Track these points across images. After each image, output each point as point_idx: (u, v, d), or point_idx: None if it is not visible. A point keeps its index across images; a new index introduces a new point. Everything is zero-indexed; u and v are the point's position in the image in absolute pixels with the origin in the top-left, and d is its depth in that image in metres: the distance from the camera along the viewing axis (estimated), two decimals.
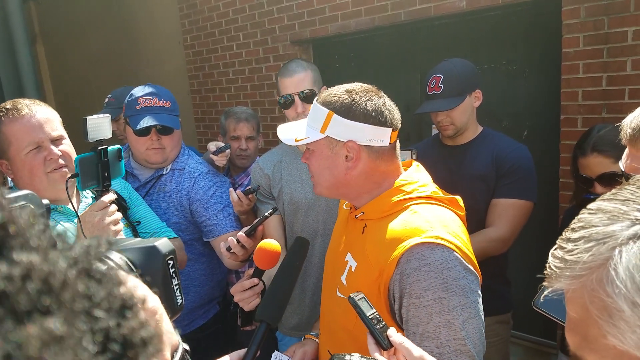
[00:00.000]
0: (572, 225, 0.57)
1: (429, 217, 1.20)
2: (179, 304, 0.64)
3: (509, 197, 2.07)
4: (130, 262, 0.60)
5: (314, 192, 1.41)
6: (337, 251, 1.43)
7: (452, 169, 2.16)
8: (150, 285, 0.57)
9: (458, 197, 1.33)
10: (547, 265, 0.58)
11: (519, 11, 3.03)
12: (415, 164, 1.40)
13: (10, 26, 5.33)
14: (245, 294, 1.41)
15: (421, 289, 1.12)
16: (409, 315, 1.15)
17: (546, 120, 3.02)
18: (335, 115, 1.25)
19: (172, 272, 0.63)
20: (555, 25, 2.79)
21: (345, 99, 1.26)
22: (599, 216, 0.54)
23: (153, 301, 0.51)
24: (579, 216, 0.57)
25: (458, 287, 1.12)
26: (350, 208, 1.40)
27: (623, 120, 1.18)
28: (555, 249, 0.58)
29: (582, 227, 0.55)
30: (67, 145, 1.63)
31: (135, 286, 0.47)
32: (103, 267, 0.36)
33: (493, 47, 3.19)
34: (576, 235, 0.55)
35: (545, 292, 0.59)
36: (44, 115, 1.58)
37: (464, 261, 1.15)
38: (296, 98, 1.96)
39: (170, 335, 0.53)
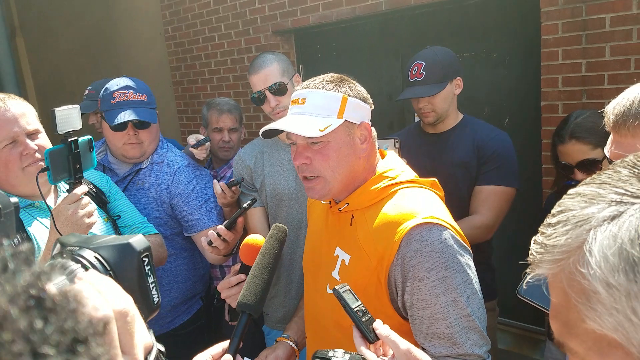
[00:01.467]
0: (553, 211, 0.57)
1: (419, 200, 1.22)
2: (155, 302, 0.62)
3: (491, 183, 2.08)
4: (105, 260, 0.59)
5: (314, 197, 1.33)
6: (319, 248, 1.41)
7: (433, 157, 2.17)
8: (125, 283, 0.55)
9: (435, 180, 1.35)
10: (529, 252, 0.59)
11: None
12: (390, 152, 1.42)
13: None
14: (232, 291, 1.39)
15: (424, 270, 1.13)
16: (413, 299, 1.15)
17: (527, 107, 3.04)
18: (350, 98, 1.25)
19: (148, 269, 0.61)
20: (534, 13, 2.80)
21: (346, 83, 1.28)
22: (577, 200, 0.55)
23: (124, 302, 0.49)
24: (559, 201, 0.58)
25: (458, 264, 1.14)
26: (330, 202, 1.38)
27: (606, 107, 1.18)
28: (537, 236, 0.58)
29: (561, 212, 0.55)
30: (44, 139, 1.60)
31: (96, 308, 0.44)
32: (57, 294, 0.33)
33: (473, 36, 3.20)
34: (555, 220, 0.55)
35: (527, 278, 0.59)
36: (18, 110, 1.55)
37: (458, 238, 1.18)
38: (267, 93, 1.96)
39: (143, 337, 0.51)
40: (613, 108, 1.14)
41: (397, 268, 1.16)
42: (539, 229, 0.59)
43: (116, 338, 0.45)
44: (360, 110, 1.28)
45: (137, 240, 0.61)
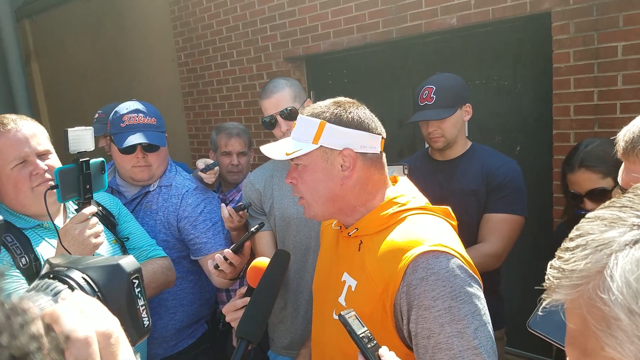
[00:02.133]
0: (571, 235, 0.56)
1: (428, 227, 1.19)
2: (145, 326, 0.60)
3: (500, 212, 2.06)
4: (93, 281, 0.58)
5: (305, 216, 1.35)
6: (328, 273, 1.39)
7: (442, 184, 2.15)
8: (113, 305, 0.55)
9: (448, 208, 1.32)
10: (546, 276, 0.57)
11: (509, 27, 3.06)
12: (402, 178, 1.39)
13: (3, 44, 5.35)
14: (237, 314, 1.35)
15: (430, 299, 1.09)
16: (418, 328, 1.11)
17: (539, 136, 3.03)
18: (328, 124, 1.24)
19: (138, 292, 0.60)
20: (546, 41, 2.81)
21: (335, 109, 1.27)
22: (596, 224, 0.53)
23: (108, 324, 0.48)
24: (577, 225, 0.56)
25: (466, 294, 1.10)
26: (340, 227, 1.36)
27: (617, 134, 1.17)
28: (554, 260, 0.57)
29: (579, 236, 0.54)
30: (54, 160, 1.61)
31: (57, 321, 0.44)
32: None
33: (484, 63, 3.21)
34: (573, 244, 0.54)
35: (544, 304, 0.57)
36: (30, 130, 1.57)
37: (467, 268, 1.14)
38: (278, 118, 1.96)
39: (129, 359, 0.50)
40: (624, 135, 1.13)
41: (403, 296, 1.13)
42: (556, 253, 0.57)
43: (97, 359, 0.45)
44: (344, 137, 1.25)
45: (127, 262, 0.60)
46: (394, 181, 1.38)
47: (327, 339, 1.35)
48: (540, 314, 0.59)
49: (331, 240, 1.44)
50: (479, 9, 2.98)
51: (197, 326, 2.21)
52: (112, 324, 0.49)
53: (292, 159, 1.29)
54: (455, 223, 1.31)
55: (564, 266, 0.53)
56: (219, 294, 2.47)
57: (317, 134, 1.25)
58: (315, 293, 1.48)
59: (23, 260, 1.48)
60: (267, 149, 1.34)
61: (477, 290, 1.13)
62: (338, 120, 1.25)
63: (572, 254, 0.53)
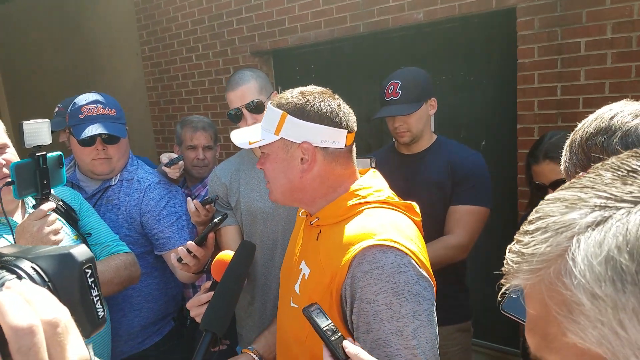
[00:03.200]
0: (530, 217, 0.54)
1: (383, 221, 1.17)
2: (100, 316, 0.59)
3: (465, 203, 2.08)
4: (43, 270, 0.55)
5: (269, 199, 1.36)
6: (291, 259, 1.39)
7: (408, 177, 2.16)
8: (65, 295, 0.54)
9: (414, 204, 1.31)
10: (505, 261, 0.55)
11: (475, 23, 3.10)
12: (372, 170, 1.38)
13: None
14: (201, 309, 1.34)
15: (372, 294, 1.08)
16: (359, 321, 1.11)
17: (504, 130, 3.08)
18: (289, 116, 1.23)
19: (91, 282, 0.58)
20: (511, 37, 2.86)
21: (299, 100, 1.24)
22: (557, 205, 0.51)
23: (55, 312, 0.46)
24: (537, 207, 0.54)
25: (410, 292, 1.08)
26: (307, 215, 1.36)
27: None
28: (513, 244, 0.55)
29: (539, 218, 0.52)
30: (11, 154, 1.56)
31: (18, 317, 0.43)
32: None
33: (450, 58, 3.25)
34: (533, 227, 0.52)
35: (503, 290, 0.55)
36: None
37: (417, 266, 1.12)
38: (244, 111, 1.93)
39: (79, 351, 0.48)
40: (562, 163, 1.08)
41: (347, 287, 1.13)
42: (515, 236, 0.55)
43: (43, 349, 0.43)
44: (304, 131, 1.23)
45: (79, 251, 0.57)
46: (364, 173, 1.37)
47: (284, 324, 1.35)
48: (513, 296, 0.57)
49: (299, 226, 1.44)
50: (446, 4, 3.01)
51: (164, 323, 2.17)
52: (59, 313, 0.47)
53: (260, 147, 1.29)
54: (418, 219, 1.30)
55: (524, 250, 0.51)
56: (185, 290, 2.43)
57: (278, 125, 1.24)
58: (281, 278, 1.48)
59: None
60: (234, 135, 1.36)
61: (425, 290, 1.11)
62: (299, 113, 1.23)
63: (531, 237, 0.51)
